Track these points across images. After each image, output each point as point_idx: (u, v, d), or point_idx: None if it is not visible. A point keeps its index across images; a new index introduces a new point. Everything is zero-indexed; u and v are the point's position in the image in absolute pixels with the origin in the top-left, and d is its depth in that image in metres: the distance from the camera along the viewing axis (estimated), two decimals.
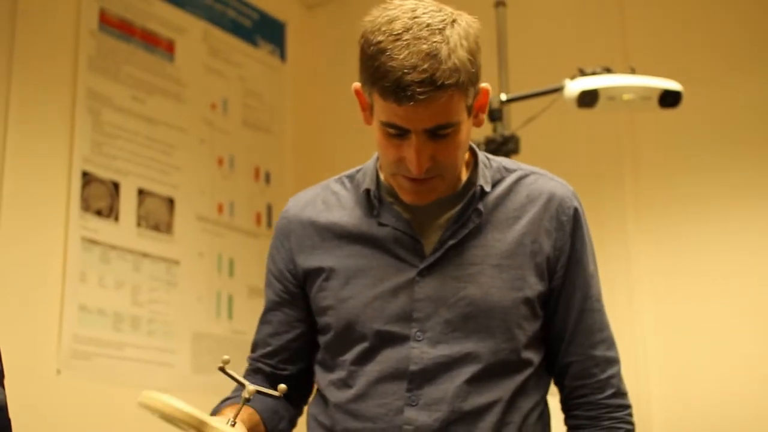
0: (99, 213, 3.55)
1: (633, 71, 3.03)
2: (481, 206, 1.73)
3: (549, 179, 1.80)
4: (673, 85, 2.98)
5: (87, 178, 3.53)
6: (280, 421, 1.83)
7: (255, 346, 1.89)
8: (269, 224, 4.31)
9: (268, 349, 1.85)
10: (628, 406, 1.79)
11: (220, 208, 4.07)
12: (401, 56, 1.54)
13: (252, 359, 1.88)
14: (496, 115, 3.18)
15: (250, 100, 4.34)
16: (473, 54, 1.60)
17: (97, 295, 3.48)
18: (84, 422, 3.36)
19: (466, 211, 1.72)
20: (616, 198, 3.79)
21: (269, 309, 1.86)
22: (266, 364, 1.86)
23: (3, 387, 1.48)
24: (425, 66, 1.53)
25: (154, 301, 3.68)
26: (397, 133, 1.61)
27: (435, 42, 1.55)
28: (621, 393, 1.79)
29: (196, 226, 3.92)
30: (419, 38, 1.55)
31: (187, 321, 3.79)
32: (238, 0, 4.37)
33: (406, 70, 1.53)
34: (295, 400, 1.88)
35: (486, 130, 3.16)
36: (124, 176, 3.67)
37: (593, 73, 3.00)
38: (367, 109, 1.68)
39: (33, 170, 3.38)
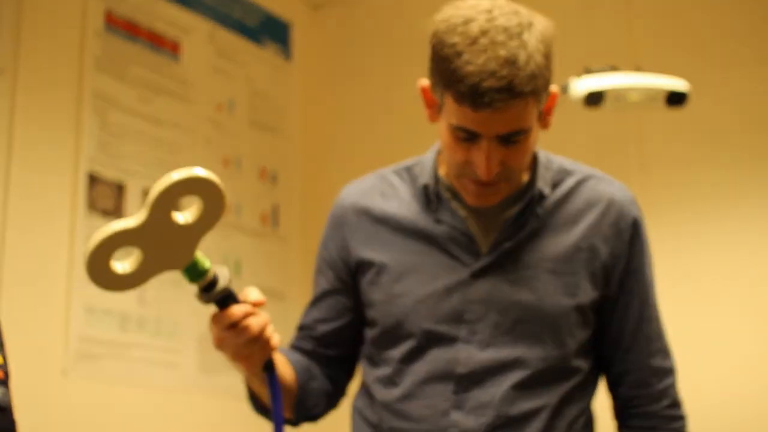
0: (105, 213, 3.55)
1: (639, 69, 3.02)
2: (539, 210, 1.71)
3: (608, 183, 1.77)
4: (680, 84, 2.97)
5: (93, 179, 3.53)
6: (312, 379, 1.79)
7: (301, 329, 1.87)
8: (276, 225, 4.31)
9: (314, 333, 1.84)
10: (683, 417, 1.78)
11: (227, 209, 4.07)
12: (479, 61, 1.50)
13: (297, 339, 1.87)
14: None
15: (257, 101, 4.34)
16: (549, 58, 1.58)
17: (103, 296, 3.48)
18: (90, 423, 3.36)
19: (523, 213, 1.70)
20: None
21: (320, 295, 1.84)
22: (309, 344, 1.84)
23: (8, 388, 1.48)
24: (504, 73, 1.50)
25: (161, 301, 3.68)
26: (467, 136, 1.58)
27: (513, 47, 1.52)
28: (677, 404, 1.77)
29: None
30: (497, 43, 1.51)
31: (193, 321, 3.78)
32: (244, 0, 4.37)
33: (484, 76, 1.50)
34: (333, 378, 1.85)
35: None
36: (130, 177, 3.67)
37: (600, 71, 2.99)
38: (433, 108, 1.66)
39: (39, 171, 3.38)
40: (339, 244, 1.80)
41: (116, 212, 3.58)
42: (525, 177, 1.73)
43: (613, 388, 1.79)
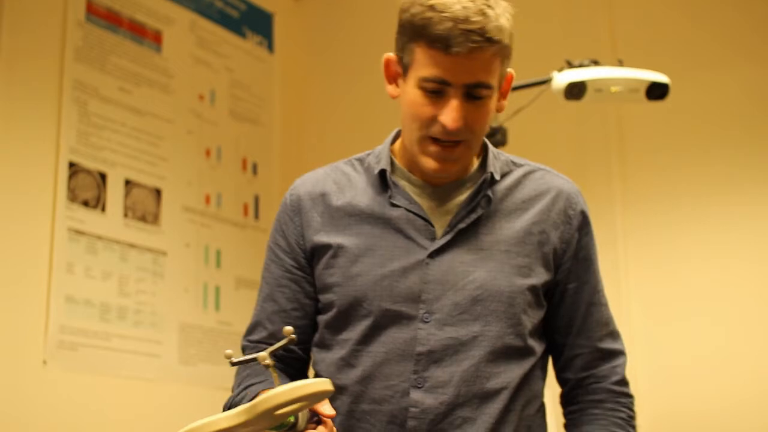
0: (86, 203, 3.54)
1: (621, 63, 3.03)
2: (490, 193, 1.75)
3: (555, 176, 1.83)
4: (660, 77, 2.99)
5: (74, 169, 3.52)
6: None
7: (254, 327, 1.83)
8: (256, 215, 4.30)
9: (273, 328, 1.80)
10: (631, 395, 1.82)
11: (208, 199, 4.07)
12: (453, 9, 1.60)
13: (253, 341, 1.83)
14: None
15: (238, 91, 4.33)
16: (512, 34, 1.66)
17: (83, 286, 3.48)
18: (70, 413, 3.35)
19: (476, 196, 1.74)
20: (604, 189, 3.79)
21: (276, 286, 1.81)
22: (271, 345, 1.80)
23: None
24: (476, 19, 1.59)
25: (141, 291, 3.68)
26: (435, 88, 1.64)
27: (483, 4, 1.61)
28: (625, 381, 1.82)
29: (183, 217, 3.92)
30: (468, 0, 1.62)
31: (173, 312, 3.78)
32: None
33: (458, 20, 1.59)
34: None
35: None
36: (111, 167, 3.66)
37: (581, 65, 3.00)
38: (394, 81, 1.73)
39: (20, 160, 3.37)
40: (296, 231, 1.80)
41: (97, 203, 3.58)
42: (475, 162, 1.78)
43: (562, 373, 1.83)
